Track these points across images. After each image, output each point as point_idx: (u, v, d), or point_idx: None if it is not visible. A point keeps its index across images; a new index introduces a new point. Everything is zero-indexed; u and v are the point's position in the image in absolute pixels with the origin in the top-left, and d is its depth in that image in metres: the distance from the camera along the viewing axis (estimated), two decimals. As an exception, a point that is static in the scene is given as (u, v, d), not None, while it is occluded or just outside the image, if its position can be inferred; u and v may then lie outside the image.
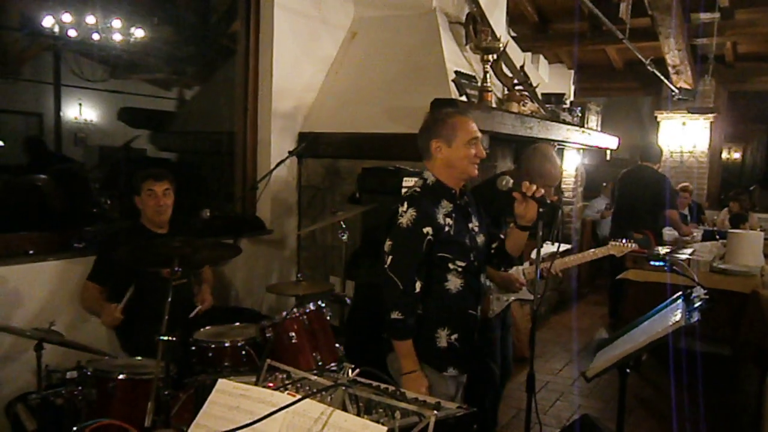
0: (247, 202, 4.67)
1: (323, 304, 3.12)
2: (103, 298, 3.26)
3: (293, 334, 2.93)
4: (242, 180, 4.74)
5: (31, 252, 3.36)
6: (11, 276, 3.19)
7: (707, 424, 3.82)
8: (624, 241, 3.44)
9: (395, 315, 2.27)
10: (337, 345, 3.11)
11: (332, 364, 2.97)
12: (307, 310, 3.02)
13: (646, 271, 4.72)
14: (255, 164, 4.73)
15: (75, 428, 1.89)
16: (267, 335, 2.95)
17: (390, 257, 2.32)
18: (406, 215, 2.32)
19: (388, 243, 2.34)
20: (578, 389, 4.60)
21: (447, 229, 2.34)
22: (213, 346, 2.96)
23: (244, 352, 2.96)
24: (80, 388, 2.56)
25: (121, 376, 2.56)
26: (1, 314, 3.14)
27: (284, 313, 2.96)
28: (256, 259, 4.60)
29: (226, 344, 2.96)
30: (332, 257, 4.71)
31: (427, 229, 2.30)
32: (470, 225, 2.45)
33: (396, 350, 2.32)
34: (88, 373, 2.58)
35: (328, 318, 3.15)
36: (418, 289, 2.30)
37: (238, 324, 3.31)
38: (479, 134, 2.41)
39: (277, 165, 4.34)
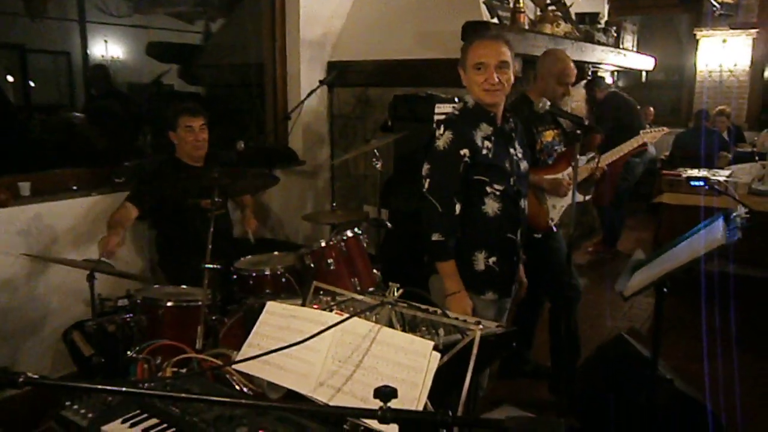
0: (279, 133, 4.68)
1: (360, 231, 3.17)
2: (132, 221, 3.28)
3: (331, 260, 2.99)
4: (273, 111, 4.74)
5: (74, 188, 3.46)
6: (58, 211, 3.31)
7: (741, 346, 3.85)
8: (653, 128, 3.46)
9: (435, 237, 2.29)
10: (374, 270, 3.17)
11: (370, 289, 3.04)
12: (345, 237, 3.07)
13: (682, 194, 4.67)
14: (285, 95, 4.71)
15: (136, 348, 1.99)
16: (306, 262, 3.02)
17: (428, 180, 2.33)
18: (443, 138, 2.31)
19: (426, 167, 2.35)
20: (611, 312, 4.64)
21: (485, 152, 2.32)
22: (254, 274, 3.04)
23: (284, 280, 3.03)
24: (131, 315, 2.68)
25: (169, 303, 2.67)
26: (51, 248, 3.27)
27: (322, 241, 3.01)
28: (290, 190, 4.65)
29: (267, 272, 3.03)
30: (365, 186, 4.74)
31: (464, 151, 2.29)
32: (511, 150, 2.43)
33: (439, 272, 2.36)
34: (138, 301, 2.70)
35: (365, 245, 3.20)
36: (458, 212, 2.31)
37: (276, 253, 3.38)
38: (487, 59, 2.26)
39: (308, 95, 4.31)
